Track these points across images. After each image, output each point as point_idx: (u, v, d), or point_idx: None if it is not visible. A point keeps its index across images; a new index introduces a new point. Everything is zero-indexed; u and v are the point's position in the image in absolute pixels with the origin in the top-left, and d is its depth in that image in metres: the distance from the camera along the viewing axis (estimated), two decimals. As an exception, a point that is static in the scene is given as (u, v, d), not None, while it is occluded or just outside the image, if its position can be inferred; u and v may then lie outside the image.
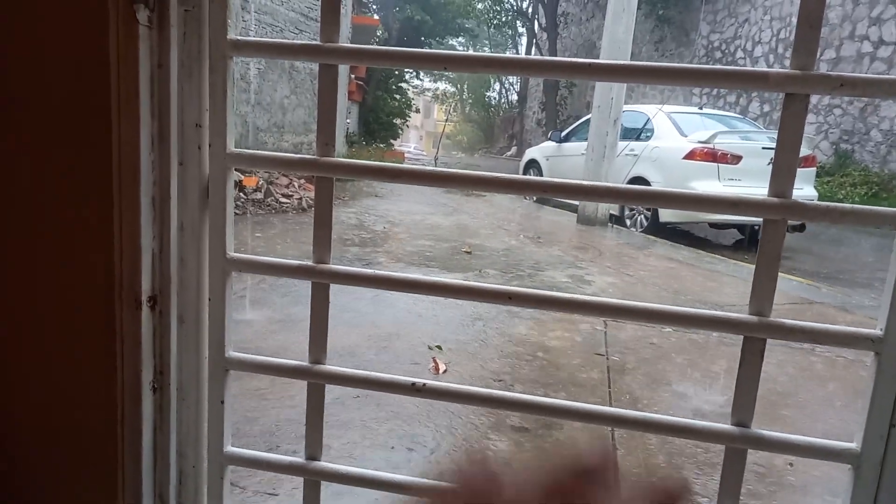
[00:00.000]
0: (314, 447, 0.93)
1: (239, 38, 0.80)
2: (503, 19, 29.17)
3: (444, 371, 2.51)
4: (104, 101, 0.70)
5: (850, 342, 0.72)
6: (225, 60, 0.80)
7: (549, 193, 0.79)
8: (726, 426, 0.77)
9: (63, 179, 0.75)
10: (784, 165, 0.72)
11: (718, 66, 0.67)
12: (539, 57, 0.81)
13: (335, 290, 0.88)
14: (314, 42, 0.79)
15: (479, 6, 27.80)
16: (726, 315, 0.75)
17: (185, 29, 0.78)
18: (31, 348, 0.81)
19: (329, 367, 0.89)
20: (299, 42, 0.80)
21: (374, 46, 0.80)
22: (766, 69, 0.70)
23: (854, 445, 0.74)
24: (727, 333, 0.74)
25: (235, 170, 0.91)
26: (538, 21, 25.71)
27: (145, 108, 0.74)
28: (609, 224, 7.39)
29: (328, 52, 0.79)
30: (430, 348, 2.73)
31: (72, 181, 0.75)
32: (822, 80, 0.68)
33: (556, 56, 22.54)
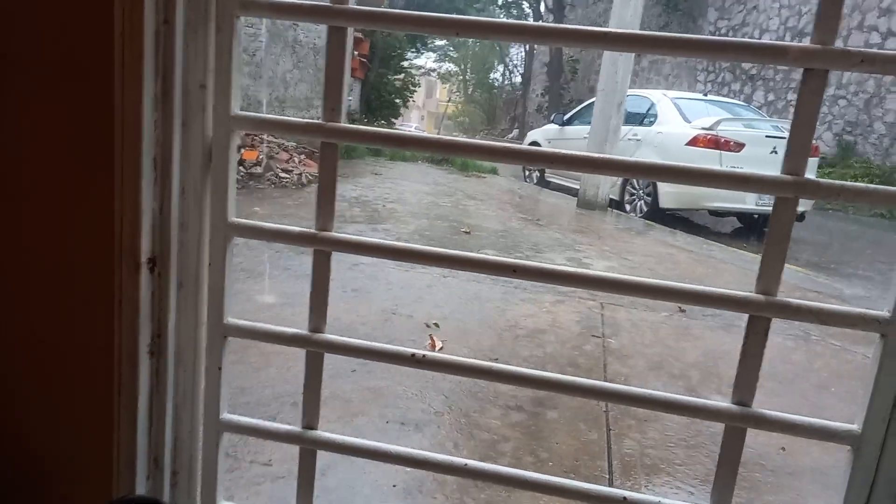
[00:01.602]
0: (312, 416, 0.92)
1: (245, -4, 0.78)
2: (509, 0, 28.87)
3: (441, 348, 2.51)
4: (107, 57, 0.69)
5: (856, 323, 0.71)
6: (232, 19, 0.78)
7: (552, 165, 0.78)
8: (726, 404, 0.77)
9: (63, 137, 0.73)
10: (799, 143, 0.70)
11: (737, 39, 0.65)
12: (553, 24, 0.79)
13: (333, 267, 0.87)
14: (324, 3, 0.77)
15: (485, -14, 27.51)
16: (733, 293, 0.75)
17: (190, -16, 0.76)
18: (29, 308, 0.80)
19: (328, 335, 0.89)
20: (309, 2, 0.78)
21: (385, 9, 0.78)
22: (785, 43, 0.68)
23: (855, 427, 0.73)
24: (733, 311, 0.74)
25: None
26: (544, 2, 25.45)
27: (149, 67, 0.72)
28: (609, 209, 7.38)
29: (338, 13, 0.77)
30: (427, 325, 2.73)
31: (72, 139, 0.73)
32: (843, 56, 0.66)
33: (561, 38, 22.35)
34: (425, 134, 0.77)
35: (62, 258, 0.78)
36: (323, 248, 0.85)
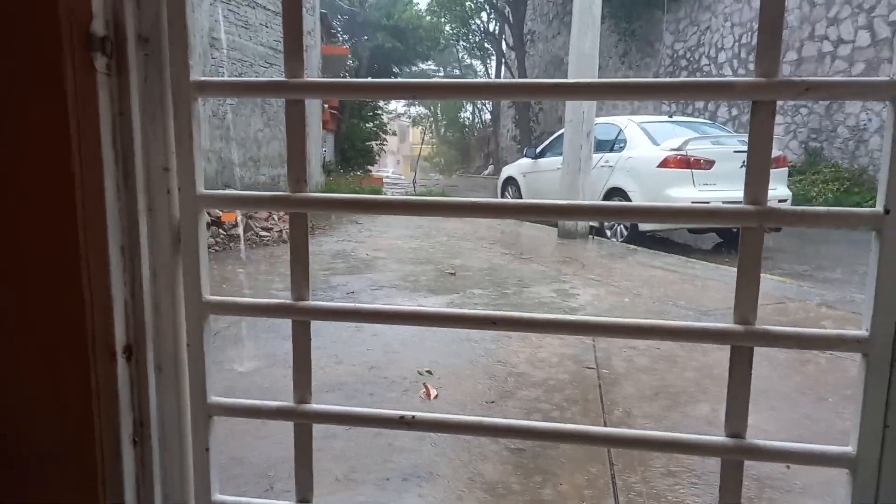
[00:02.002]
0: (306, 489, 0.90)
1: (203, 78, 0.79)
2: (471, 41, 29.53)
3: (436, 396, 2.48)
4: (65, 152, 0.68)
5: (836, 345, 0.72)
6: (189, 102, 0.79)
7: (526, 216, 0.79)
8: (721, 438, 0.76)
9: (25, 233, 0.73)
10: (757, 171, 0.72)
11: (684, 79, 0.67)
12: (506, 80, 0.81)
13: (318, 321, 0.86)
14: (279, 79, 0.78)
15: (448, 29, 28.14)
16: (713, 326, 0.75)
17: (145, 73, 0.77)
18: (5, 411, 0.78)
19: (315, 406, 0.87)
20: (264, 79, 0.79)
21: (341, 79, 0.79)
22: (731, 79, 0.70)
23: (850, 449, 0.73)
24: (715, 344, 0.74)
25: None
26: (505, 40, 26.07)
27: (108, 157, 0.72)
28: (590, 236, 7.43)
29: (294, 87, 0.78)
30: (420, 373, 2.71)
31: (35, 234, 0.72)
32: (788, 86, 0.68)
33: (525, 73, 22.84)
34: (395, 197, 0.77)
35: (33, 354, 0.76)
36: (301, 318, 0.85)
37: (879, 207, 0.68)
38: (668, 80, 0.70)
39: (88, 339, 0.74)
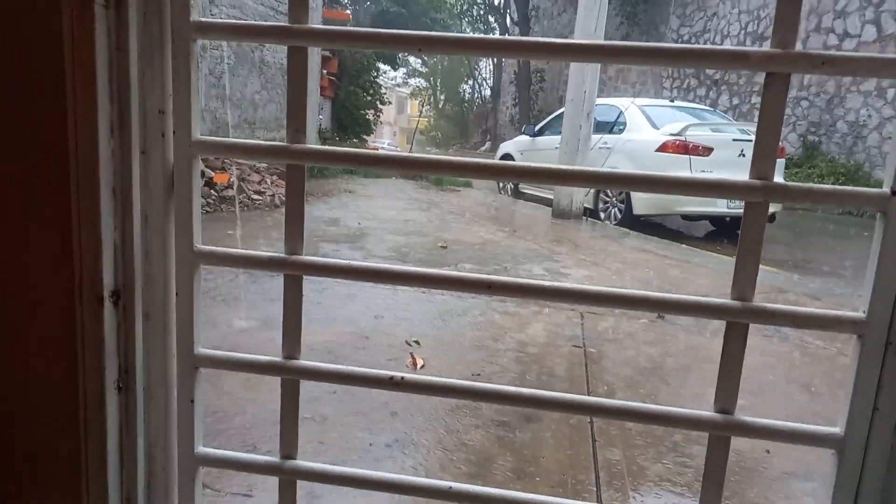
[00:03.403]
0: (290, 446, 0.90)
1: (203, 19, 0.76)
2: (475, 14, 29.15)
3: (422, 366, 2.48)
4: (59, 86, 0.66)
5: (832, 325, 0.71)
6: (188, 43, 0.76)
7: (523, 179, 0.77)
8: (709, 413, 0.76)
9: (15, 170, 0.71)
10: (766, 147, 0.70)
11: (698, 46, 0.65)
12: (516, 38, 0.79)
13: (307, 288, 0.85)
14: (283, 24, 0.76)
15: (452, 0, 27.74)
16: (709, 300, 0.74)
17: (145, 10, 0.74)
18: (-13, 349, 0.77)
19: (304, 362, 0.86)
20: (267, 24, 0.76)
21: (346, 27, 0.77)
22: (747, 48, 0.68)
23: (837, 430, 0.73)
24: (709, 319, 0.73)
25: (206, 166, 0.88)
26: (510, 15, 25.75)
27: (103, 94, 0.70)
28: (584, 217, 7.43)
29: (297, 33, 0.76)
30: (408, 343, 2.71)
31: (25, 171, 0.70)
32: (804, 59, 0.66)
33: (528, 51, 22.60)
34: (394, 153, 0.75)
35: (18, 294, 0.75)
36: (293, 273, 0.83)
37: (886, 188, 0.68)
38: (682, 45, 0.69)
39: (76, 281, 0.73)
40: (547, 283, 0.76)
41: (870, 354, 0.70)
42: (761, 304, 0.72)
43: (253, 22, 0.88)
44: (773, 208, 6.86)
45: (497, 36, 0.70)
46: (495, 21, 29.24)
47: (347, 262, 0.83)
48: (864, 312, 0.70)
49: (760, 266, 0.73)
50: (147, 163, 0.79)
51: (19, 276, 0.74)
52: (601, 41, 0.65)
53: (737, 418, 0.75)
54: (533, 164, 0.77)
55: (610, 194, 7.47)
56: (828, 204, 0.70)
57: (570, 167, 0.75)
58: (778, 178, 7.02)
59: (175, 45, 0.76)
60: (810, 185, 0.70)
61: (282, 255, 0.83)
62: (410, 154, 0.76)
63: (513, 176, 0.79)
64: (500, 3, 27.66)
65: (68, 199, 0.70)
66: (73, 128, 0.69)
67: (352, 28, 0.77)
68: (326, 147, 0.81)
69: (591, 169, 0.74)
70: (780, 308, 0.72)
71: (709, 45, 0.61)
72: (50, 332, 0.75)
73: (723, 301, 0.74)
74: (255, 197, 6.53)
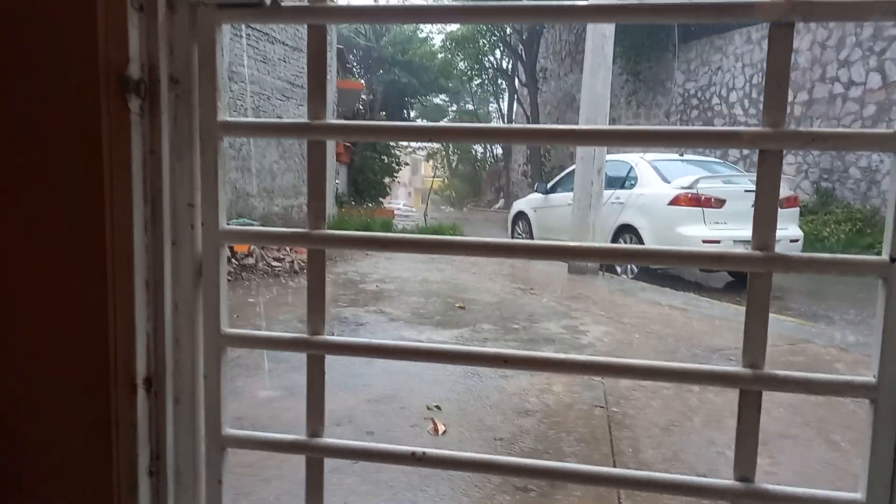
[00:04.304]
0: (314, 523, 0.91)
1: (229, 119, 0.82)
2: (485, 77, 29.95)
3: (444, 432, 2.47)
4: (97, 190, 0.72)
5: (844, 391, 0.72)
6: (215, 141, 0.82)
7: (536, 257, 0.81)
8: (730, 482, 0.77)
9: (57, 265, 0.75)
10: (765, 218, 0.74)
11: (693, 128, 0.69)
12: (520, 126, 0.83)
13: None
14: (302, 121, 0.81)
15: (461, 65, 28.57)
16: (721, 369, 0.76)
17: (175, 113, 0.80)
18: (25, 437, 0.80)
19: (327, 440, 0.88)
20: (288, 121, 0.82)
21: (361, 122, 0.82)
22: (738, 129, 0.72)
23: (859, 496, 0.73)
24: (724, 387, 0.75)
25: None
26: (518, 77, 26.42)
27: (138, 194, 0.75)
28: (600, 272, 7.43)
29: (315, 129, 0.81)
30: (428, 408, 2.70)
31: (65, 268, 0.75)
32: (794, 137, 0.70)
33: (537, 109, 23.09)
34: (411, 236, 0.79)
35: (57, 384, 0.78)
36: (316, 353, 0.86)
37: (885, 256, 0.70)
38: (677, 128, 0.73)
39: (111, 370, 0.76)
40: (559, 356, 0.78)
41: (884, 418, 0.71)
42: (772, 371, 0.73)
43: (274, 120, 0.96)
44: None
45: (503, 125, 0.75)
46: (505, 83, 30.00)
47: (368, 340, 0.86)
48: (874, 377, 0.71)
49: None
50: (177, 253, 0.83)
51: (58, 364, 0.78)
52: (605, 126, 0.69)
53: (758, 486, 0.76)
54: (545, 243, 0.80)
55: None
56: (830, 273, 0.72)
57: (579, 244, 0.79)
58: (793, 228, 7.02)
59: (203, 143, 0.82)
60: (811, 255, 0.72)
61: (304, 335, 0.86)
62: (427, 237, 0.80)
63: (525, 255, 0.82)
64: (508, 67, 28.44)
65: (105, 292, 0.74)
66: (111, 226, 0.74)
67: (366, 122, 0.82)
68: (346, 233, 0.85)
69: (599, 245, 0.77)
70: (791, 375, 0.74)
71: (704, 127, 0.65)
72: (86, 419, 0.78)
73: (735, 369, 0.75)
74: (275, 264, 6.63)
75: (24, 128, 0.73)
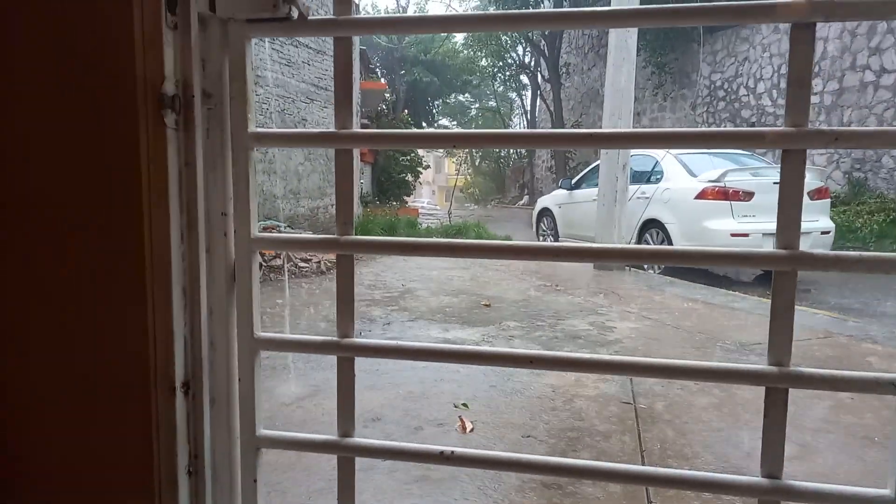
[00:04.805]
0: (347, 521, 0.93)
1: (260, 130, 0.85)
2: (507, 74, 29.85)
3: (472, 430, 2.49)
4: (136, 202, 0.75)
5: (871, 388, 0.73)
6: (247, 152, 0.85)
7: (561, 258, 0.82)
8: (757, 479, 0.77)
9: (97, 275, 0.79)
10: (789, 216, 0.74)
11: (716, 129, 0.70)
12: (542, 131, 0.85)
13: (360, 362, 0.91)
14: (330, 130, 0.84)
15: (483, 62, 28.52)
16: (747, 367, 0.76)
17: (208, 126, 0.83)
18: (69, 439, 0.84)
19: (358, 440, 0.91)
20: (316, 131, 0.84)
21: (386, 131, 0.84)
22: (762, 129, 0.73)
23: (888, 492, 0.73)
24: (749, 385, 0.76)
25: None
26: (541, 73, 26.28)
27: (174, 205, 0.78)
28: (626, 267, 7.37)
29: (343, 138, 0.83)
30: (456, 406, 2.72)
31: (106, 276, 0.79)
32: (817, 136, 0.70)
33: (560, 105, 22.94)
34: (437, 240, 0.81)
35: (98, 388, 0.82)
36: (346, 355, 0.89)
37: (911, 253, 0.70)
38: (698, 129, 0.74)
39: (151, 374, 0.80)
40: (585, 356, 0.80)
41: (913, 416, 0.71)
42: (798, 368, 0.74)
43: (303, 130, 0.99)
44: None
45: (524, 131, 0.76)
46: (527, 79, 29.87)
47: (396, 343, 0.88)
48: (902, 374, 0.71)
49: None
50: (211, 260, 0.86)
51: (100, 369, 0.81)
52: (630, 129, 0.70)
53: (785, 483, 0.76)
54: (571, 245, 0.81)
55: (653, 241, 7.42)
56: (856, 272, 0.72)
57: (604, 246, 0.80)
58: (825, 220, 6.88)
59: (235, 154, 0.84)
60: (837, 253, 0.72)
61: (334, 338, 0.89)
62: (453, 241, 0.82)
63: (542, 256, 0.83)
64: (530, 62, 28.29)
65: (145, 300, 0.78)
66: (149, 236, 0.77)
67: (391, 132, 0.85)
68: (374, 238, 0.87)
69: (623, 246, 0.78)
70: (817, 372, 0.74)
71: (729, 128, 0.65)
72: (128, 421, 0.81)
73: (761, 367, 0.76)
74: (302, 265, 6.71)
75: (68, 145, 0.76)
